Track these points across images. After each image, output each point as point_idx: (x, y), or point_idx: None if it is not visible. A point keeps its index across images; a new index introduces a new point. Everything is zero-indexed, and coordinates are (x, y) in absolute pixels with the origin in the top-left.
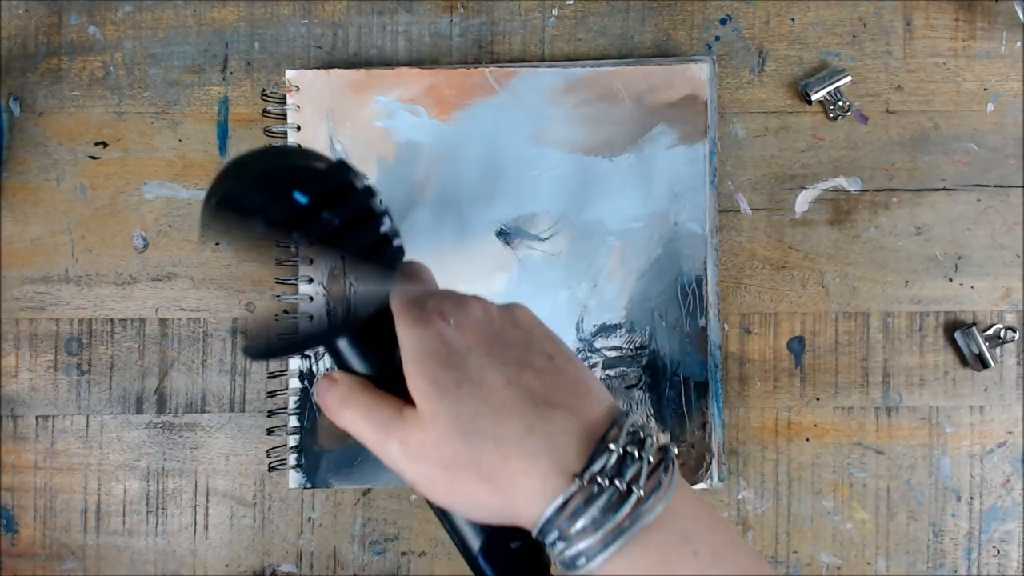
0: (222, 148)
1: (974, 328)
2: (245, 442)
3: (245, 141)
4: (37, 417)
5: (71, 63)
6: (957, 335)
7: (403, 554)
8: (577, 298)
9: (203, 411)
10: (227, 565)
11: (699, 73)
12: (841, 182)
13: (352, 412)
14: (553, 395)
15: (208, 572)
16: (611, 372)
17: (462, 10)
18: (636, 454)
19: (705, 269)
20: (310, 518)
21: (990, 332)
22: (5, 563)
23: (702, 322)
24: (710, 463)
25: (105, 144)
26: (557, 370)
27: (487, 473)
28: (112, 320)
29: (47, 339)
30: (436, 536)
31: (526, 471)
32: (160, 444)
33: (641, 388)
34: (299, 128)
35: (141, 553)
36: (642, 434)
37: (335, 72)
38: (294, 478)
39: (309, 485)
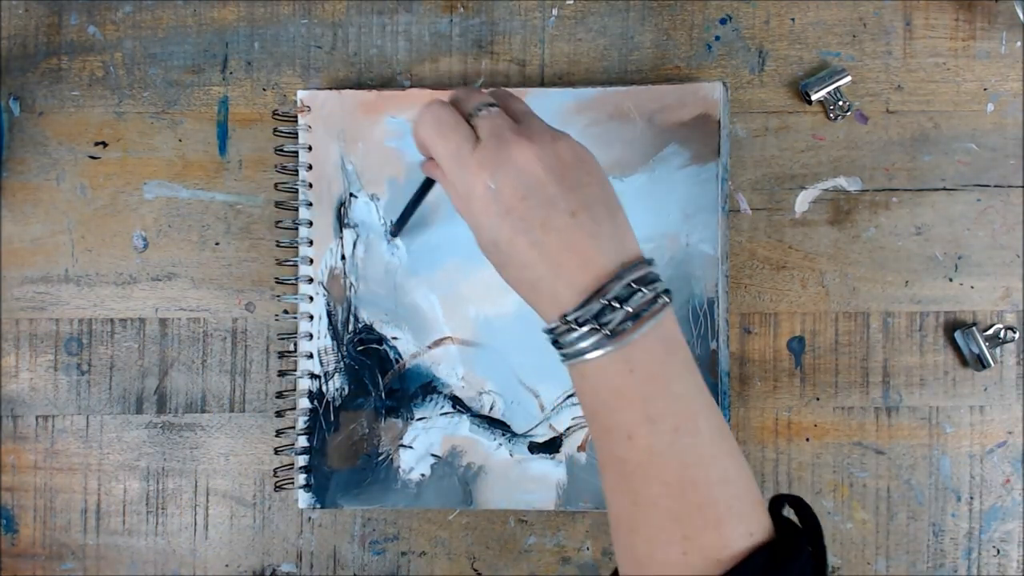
0: (222, 148)
1: (974, 328)
2: (245, 442)
3: (245, 141)
4: (37, 417)
5: (71, 63)
6: (957, 335)
7: (403, 554)
8: None
9: (203, 411)
10: (227, 565)
11: (711, 93)
12: (841, 182)
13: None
14: (562, 254)
15: (208, 572)
16: None
17: (462, 10)
18: (619, 305)
19: (717, 292)
20: (310, 518)
21: (990, 332)
22: (5, 563)
23: (713, 345)
24: None
25: (105, 144)
26: (577, 226)
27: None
28: (112, 320)
29: (47, 339)
30: (436, 536)
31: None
32: (160, 444)
33: None
34: (310, 148)
35: (141, 553)
36: (635, 286)
37: (347, 93)
38: (303, 498)
39: (318, 505)
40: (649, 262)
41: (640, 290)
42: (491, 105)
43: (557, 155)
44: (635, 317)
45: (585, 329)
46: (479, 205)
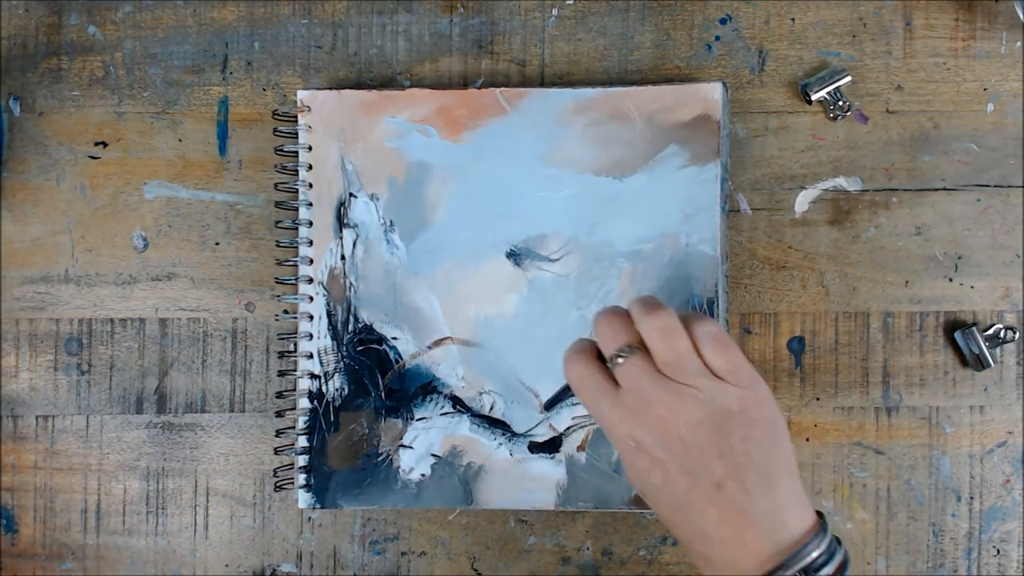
0: (222, 148)
1: (974, 328)
2: (245, 442)
3: (245, 141)
4: (37, 417)
5: (71, 63)
6: (957, 335)
7: (403, 554)
8: (587, 320)
9: (203, 411)
10: (227, 565)
11: (711, 93)
12: (841, 182)
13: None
14: (710, 528)
15: (208, 572)
16: None
17: (462, 10)
18: None
19: (717, 293)
20: (310, 518)
21: (990, 332)
22: (5, 563)
23: None
24: None
25: (105, 144)
26: (723, 499)
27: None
28: (112, 320)
29: (47, 339)
30: (436, 536)
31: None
32: (160, 444)
33: None
34: (310, 148)
35: (141, 553)
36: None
37: (347, 92)
38: (303, 498)
39: (318, 505)
40: (819, 535)
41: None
42: (632, 347)
43: (701, 414)
44: None
45: None
46: (623, 454)
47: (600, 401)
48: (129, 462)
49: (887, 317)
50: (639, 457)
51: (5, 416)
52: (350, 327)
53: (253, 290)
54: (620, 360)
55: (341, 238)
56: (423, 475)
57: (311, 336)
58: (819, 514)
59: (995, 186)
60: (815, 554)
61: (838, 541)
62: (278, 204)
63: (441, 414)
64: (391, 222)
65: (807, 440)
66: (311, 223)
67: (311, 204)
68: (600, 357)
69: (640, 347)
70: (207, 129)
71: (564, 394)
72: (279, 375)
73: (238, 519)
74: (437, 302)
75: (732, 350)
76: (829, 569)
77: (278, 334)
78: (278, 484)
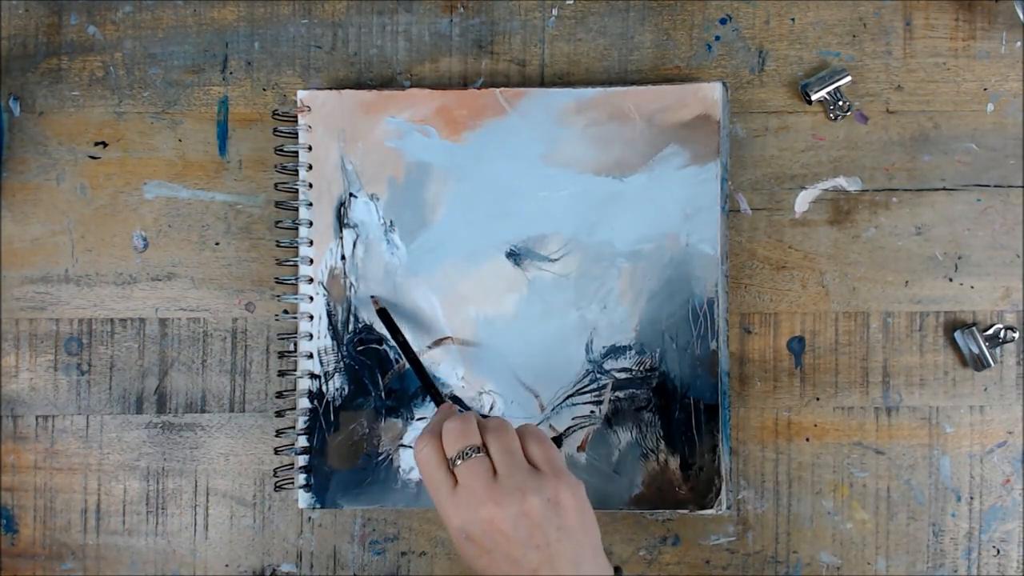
0: (222, 148)
1: (974, 328)
2: (245, 442)
3: (245, 141)
4: (37, 417)
5: (71, 63)
6: (957, 335)
7: (403, 554)
8: (587, 320)
9: (203, 411)
10: (227, 565)
11: (711, 93)
12: (841, 182)
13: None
14: None
15: (208, 572)
16: (621, 394)
17: (462, 10)
18: None
19: (716, 292)
20: (310, 518)
21: (990, 332)
22: (5, 563)
23: (713, 345)
24: (719, 488)
25: (105, 144)
26: None
27: None
28: (112, 320)
29: (47, 339)
30: (436, 536)
31: None
32: (160, 444)
33: (651, 411)
34: (310, 148)
35: (141, 553)
36: None
37: (347, 92)
38: (303, 498)
39: (318, 505)
40: None
41: None
42: (476, 450)
43: (526, 513)
44: None
45: None
46: (456, 542)
47: (440, 492)
48: (129, 462)
49: (887, 317)
50: (470, 546)
51: (5, 416)
52: (350, 327)
53: (253, 290)
54: (459, 462)
55: (341, 238)
56: None
57: (311, 336)
58: (617, 569)
59: (995, 186)
60: None
61: None
62: (278, 204)
63: None
64: (391, 222)
65: (807, 440)
66: (311, 223)
67: (311, 204)
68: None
69: (481, 451)
70: (207, 129)
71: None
72: (279, 375)
73: (238, 519)
74: (437, 302)
75: (547, 444)
76: None
77: (278, 334)
78: (278, 484)
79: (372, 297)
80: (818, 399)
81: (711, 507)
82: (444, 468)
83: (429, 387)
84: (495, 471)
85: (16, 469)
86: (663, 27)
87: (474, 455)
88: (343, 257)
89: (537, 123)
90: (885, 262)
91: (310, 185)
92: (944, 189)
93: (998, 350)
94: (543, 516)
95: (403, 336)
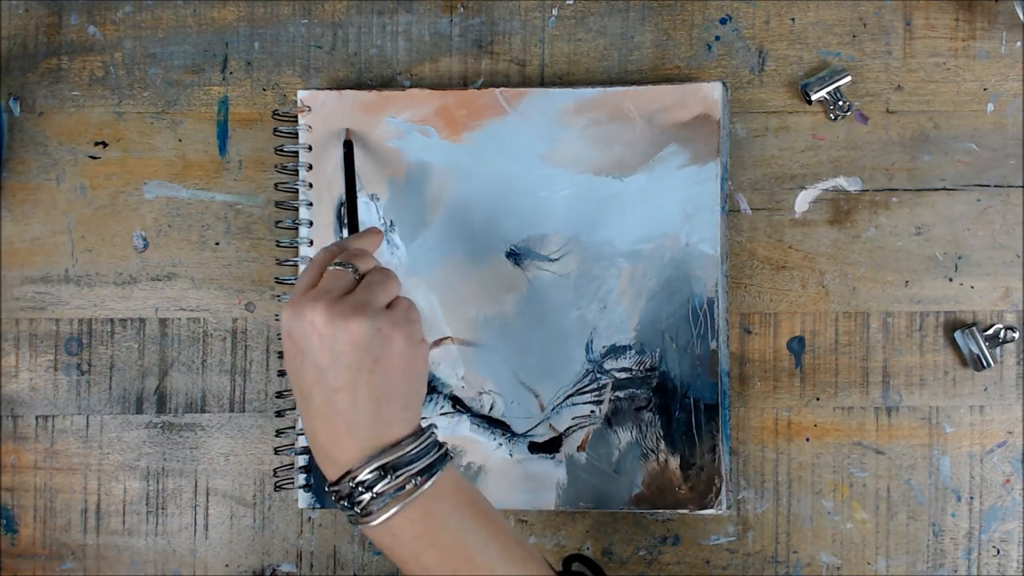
0: (222, 148)
1: (974, 328)
2: (245, 442)
3: (245, 141)
4: (37, 417)
5: (71, 63)
6: (957, 335)
7: None
8: (587, 319)
9: (203, 411)
10: (227, 565)
11: (711, 93)
12: (841, 182)
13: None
14: (320, 428)
15: (208, 572)
16: (621, 394)
17: (462, 10)
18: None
19: (716, 292)
20: (310, 518)
21: (990, 332)
22: (5, 563)
23: (713, 344)
24: (719, 488)
25: (105, 144)
26: (333, 405)
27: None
28: (112, 320)
29: (47, 339)
30: None
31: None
32: (160, 444)
33: (651, 410)
34: (310, 148)
35: (141, 553)
36: (383, 472)
37: (347, 93)
38: (303, 498)
39: (318, 505)
40: (412, 439)
41: (387, 476)
42: (344, 265)
43: (350, 330)
44: (395, 493)
45: (344, 503)
46: (283, 334)
47: (298, 285)
48: (129, 462)
49: (887, 317)
50: (289, 344)
51: (5, 416)
52: None
53: (253, 290)
54: (330, 269)
55: (341, 238)
56: None
57: None
58: (429, 427)
59: (995, 186)
60: (407, 450)
61: (439, 445)
62: (278, 204)
63: (441, 414)
64: (391, 222)
65: (807, 440)
66: (311, 223)
67: (311, 204)
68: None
69: (357, 273)
70: (207, 129)
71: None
72: (279, 375)
73: (238, 519)
74: (437, 302)
75: (412, 304)
76: (421, 464)
77: (278, 334)
78: (278, 484)
79: (347, 129)
80: (818, 399)
81: (711, 507)
82: (319, 271)
83: (353, 227)
84: (350, 291)
85: (16, 469)
86: (663, 27)
87: (348, 270)
88: None
89: (537, 123)
90: (885, 262)
91: (310, 185)
92: (944, 189)
93: (998, 350)
94: (367, 342)
95: (354, 176)
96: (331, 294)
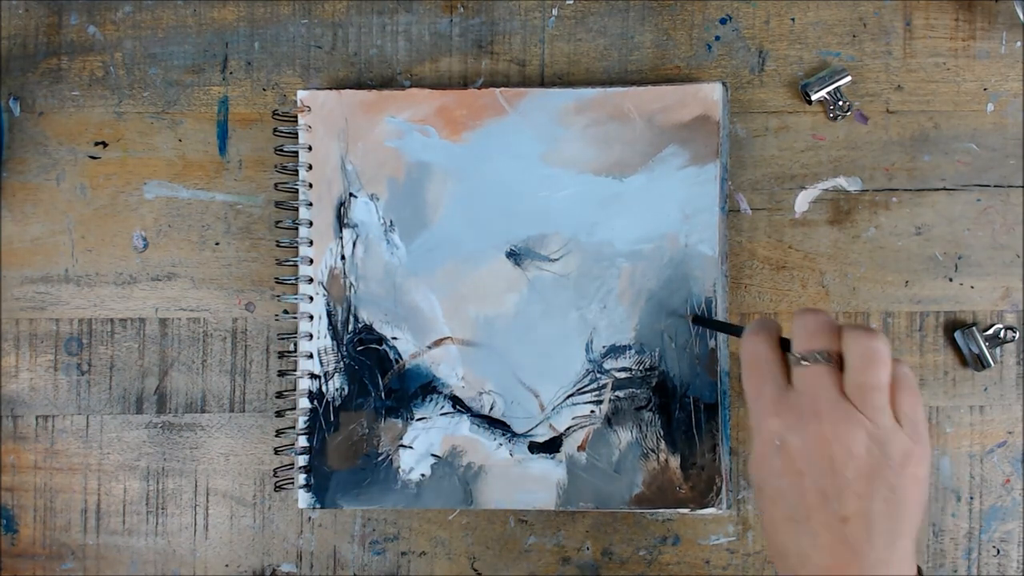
0: (222, 148)
1: (974, 328)
2: (245, 442)
3: (245, 141)
4: (37, 417)
5: (71, 63)
6: (957, 335)
7: (403, 554)
8: (587, 319)
9: (203, 411)
10: (227, 565)
11: (711, 93)
12: (841, 182)
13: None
14: (815, 554)
15: (208, 572)
16: (621, 394)
17: (462, 10)
18: None
19: (715, 292)
20: (310, 518)
21: (990, 332)
22: (5, 563)
23: (712, 344)
24: (720, 488)
25: (105, 144)
26: (840, 535)
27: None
28: (112, 320)
29: (47, 339)
30: (436, 536)
31: None
32: (160, 444)
33: (651, 410)
34: (310, 148)
35: (141, 553)
36: None
37: (347, 92)
38: (303, 498)
39: (318, 505)
40: None
41: None
42: (829, 358)
43: (864, 448)
44: None
45: None
46: (760, 446)
47: (764, 387)
48: (129, 462)
49: (887, 317)
50: (777, 457)
51: (5, 416)
52: (350, 327)
53: (253, 290)
54: (806, 363)
55: (341, 238)
56: (423, 475)
57: (311, 336)
58: (919, 570)
59: (995, 186)
60: None
61: None
62: (278, 204)
63: (441, 414)
64: (391, 222)
65: None
66: (311, 223)
67: (311, 204)
68: (782, 346)
69: (835, 359)
70: (207, 129)
71: (716, 325)
72: (279, 375)
73: (238, 519)
74: (437, 302)
75: (919, 401)
76: None
77: (278, 334)
78: (278, 484)
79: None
80: None
81: (711, 506)
82: (779, 362)
83: None
84: (842, 391)
85: (16, 469)
86: (663, 27)
87: (825, 363)
88: (343, 257)
89: (537, 123)
90: (885, 262)
91: (310, 185)
92: (944, 189)
93: (998, 350)
94: (881, 468)
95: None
96: (835, 404)
